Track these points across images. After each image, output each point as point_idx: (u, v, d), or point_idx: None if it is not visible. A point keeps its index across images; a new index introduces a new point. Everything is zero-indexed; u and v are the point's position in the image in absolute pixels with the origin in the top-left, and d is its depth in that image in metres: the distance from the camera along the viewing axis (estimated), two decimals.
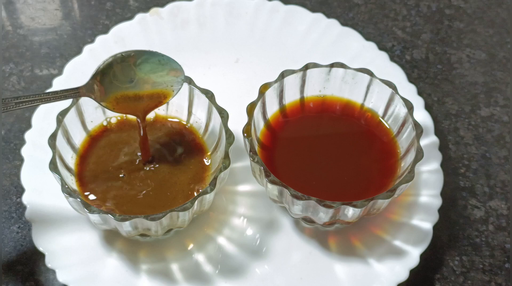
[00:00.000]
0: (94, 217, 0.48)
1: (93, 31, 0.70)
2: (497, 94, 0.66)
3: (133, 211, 0.51)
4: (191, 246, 0.54)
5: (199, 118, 0.56)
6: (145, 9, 0.71)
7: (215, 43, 0.67)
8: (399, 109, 0.54)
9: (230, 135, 0.51)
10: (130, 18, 0.69)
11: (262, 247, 0.54)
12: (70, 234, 0.53)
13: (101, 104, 0.51)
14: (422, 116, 0.59)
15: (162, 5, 0.69)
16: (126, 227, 0.48)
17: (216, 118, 0.53)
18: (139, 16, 0.68)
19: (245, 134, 0.51)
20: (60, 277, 0.51)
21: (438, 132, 0.60)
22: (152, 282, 0.52)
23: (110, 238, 0.54)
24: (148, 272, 0.52)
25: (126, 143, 0.56)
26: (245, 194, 0.57)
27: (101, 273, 0.52)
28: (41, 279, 0.53)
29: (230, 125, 0.52)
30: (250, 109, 0.52)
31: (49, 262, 0.51)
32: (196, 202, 0.48)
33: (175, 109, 0.57)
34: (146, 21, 0.68)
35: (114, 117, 0.57)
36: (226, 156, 0.50)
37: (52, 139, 0.50)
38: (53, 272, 0.52)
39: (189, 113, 0.56)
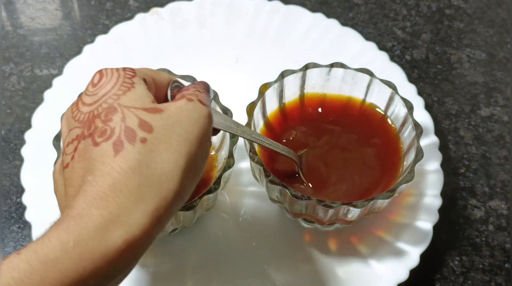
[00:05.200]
0: None
1: (93, 31, 0.70)
2: (497, 94, 0.66)
3: None
4: (194, 245, 0.54)
5: None
6: (145, 9, 0.71)
7: (215, 43, 0.67)
8: (399, 109, 0.54)
9: (234, 135, 0.51)
10: (130, 18, 0.69)
11: (262, 247, 0.54)
12: None
13: None
14: (422, 116, 0.59)
15: (162, 5, 0.69)
16: None
17: None
18: (139, 16, 0.68)
19: None
20: None
21: (438, 132, 0.60)
22: (155, 281, 0.52)
23: None
24: (152, 271, 0.52)
25: None
26: (247, 193, 0.57)
27: None
28: None
29: None
30: (250, 109, 0.52)
31: None
32: (200, 201, 0.48)
33: None
34: (146, 21, 0.68)
35: None
36: (231, 155, 0.50)
37: (57, 140, 0.50)
38: None
39: None
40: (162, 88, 0.41)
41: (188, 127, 0.35)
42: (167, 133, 0.35)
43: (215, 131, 0.45)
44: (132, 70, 0.38)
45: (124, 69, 0.37)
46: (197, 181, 0.37)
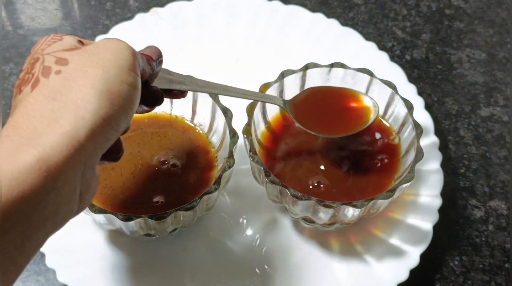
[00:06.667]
0: (99, 217, 0.48)
1: (93, 31, 0.70)
2: (497, 94, 0.66)
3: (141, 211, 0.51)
4: (194, 245, 0.54)
5: (203, 117, 0.56)
6: (145, 9, 0.71)
7: (215, 43, 0.67)
8: (399, 109, 0.54)
9: (234, 135, 0.51)
10: (130, 18, 0.69)
11: (262, 247, 0.54)
12: (71, 234, 0.53)
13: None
14: (422, 116, 0.59)
15: (162, 5, 0.69)
16: (130, 227, 0.48)
17: (220, 118, 0.53)
18: (139, 16, 0.68)
19: (245, 134, 0.51)
20: (60, 277, 0.51)
21: (438, 132, 0.60)
22: (155, 281, 0.52)
23: (112, 238, 0.54)
24: (152, 271, 0.52)
25: (137, 145, 0.55)
26: (247, 194, 0.57)
27: (102, 273, 0.52)
28: (41, 279, 0.53)
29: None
30: (250, 109, 0.52)
31: (49, 262, 0.51)
32: (200, 201, 0.48)
33: (179, 109, 0.57)
34: (146, 21, 0.68)
35: None
36: (231, 155, 0.50)
37: None
38: (53, 272, 0.52)
39: (193, 112, 0.56)
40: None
41: (105, 55, 0.36)
42: (82, 63, 0.35)
43: (180, 93, 0.46)
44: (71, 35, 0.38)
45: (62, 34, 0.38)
46: (130, 112, 0.36)
